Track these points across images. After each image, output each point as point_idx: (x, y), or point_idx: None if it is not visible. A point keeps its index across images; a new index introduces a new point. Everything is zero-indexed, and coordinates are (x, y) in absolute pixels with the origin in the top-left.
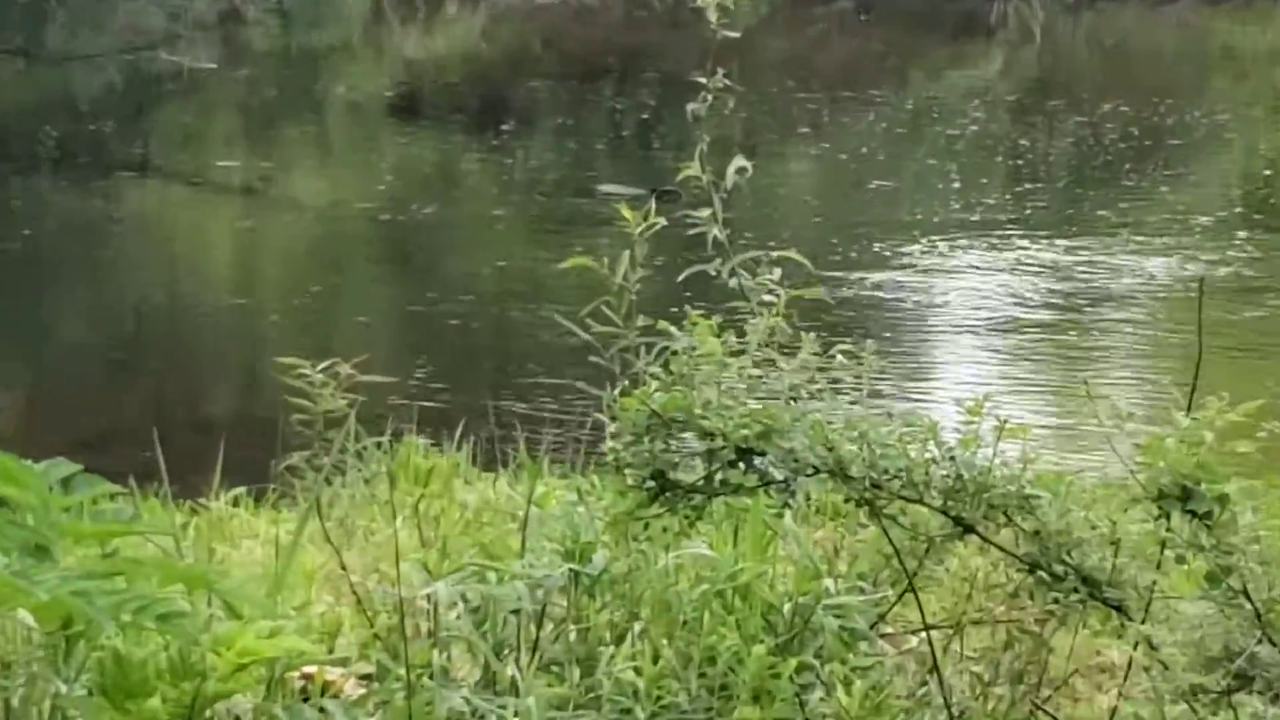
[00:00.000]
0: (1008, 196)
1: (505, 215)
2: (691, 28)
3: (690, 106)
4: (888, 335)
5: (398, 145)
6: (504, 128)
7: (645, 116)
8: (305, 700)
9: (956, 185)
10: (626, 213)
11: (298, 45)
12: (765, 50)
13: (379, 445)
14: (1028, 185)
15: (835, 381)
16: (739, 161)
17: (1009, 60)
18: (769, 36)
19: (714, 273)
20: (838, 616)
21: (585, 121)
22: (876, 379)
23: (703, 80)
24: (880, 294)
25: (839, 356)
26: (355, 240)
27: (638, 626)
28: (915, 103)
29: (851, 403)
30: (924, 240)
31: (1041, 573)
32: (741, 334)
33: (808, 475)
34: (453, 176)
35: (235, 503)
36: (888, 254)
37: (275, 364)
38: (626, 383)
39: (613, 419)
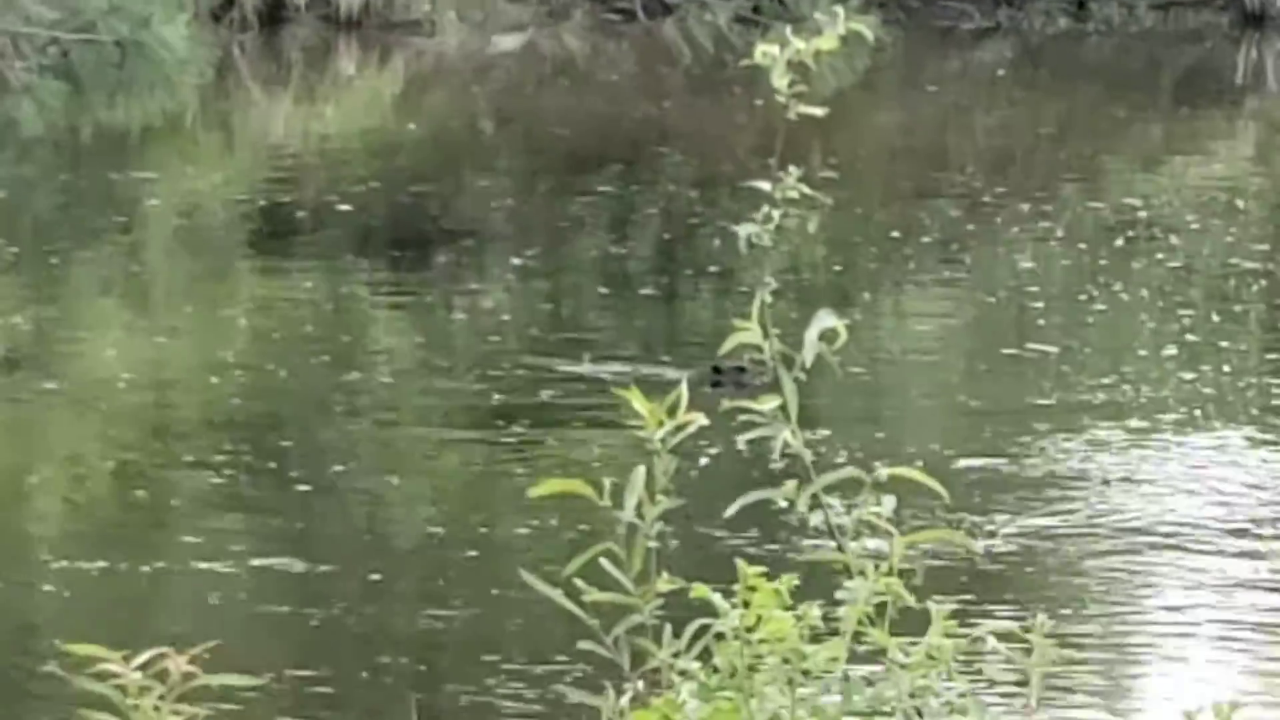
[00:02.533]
0: (1265, 371)
1: (436, 409)
2: (746, 95)
3: (744, 229)
4: (1069, 606)
5: (254, 295)
6: (434, 263)
7: (667, 241)
8: None
9: (1179, 349)
10: (638, 403)
11: (93, 125)
12: (864, 130)
13: None
14: None
15: (987, 683)
16: (824, 320)
17: (1266, 140)
18: (871, 107)
19: (784, 503)
20: None
21: (565, 251)
22: (1055, 676)
23: (764, 184)
24: (1053, 536)
25: (991, 640)
26: (182, 457)
27: None
28: (1109, 213)
29: (1007, 714)
30: (1125, 441)
31: None
32: (832, 605)
33: None
34: (348, 346)
35: None
36: (1066, 467)
37: (61, 655)
38: (640, 685)
39: None
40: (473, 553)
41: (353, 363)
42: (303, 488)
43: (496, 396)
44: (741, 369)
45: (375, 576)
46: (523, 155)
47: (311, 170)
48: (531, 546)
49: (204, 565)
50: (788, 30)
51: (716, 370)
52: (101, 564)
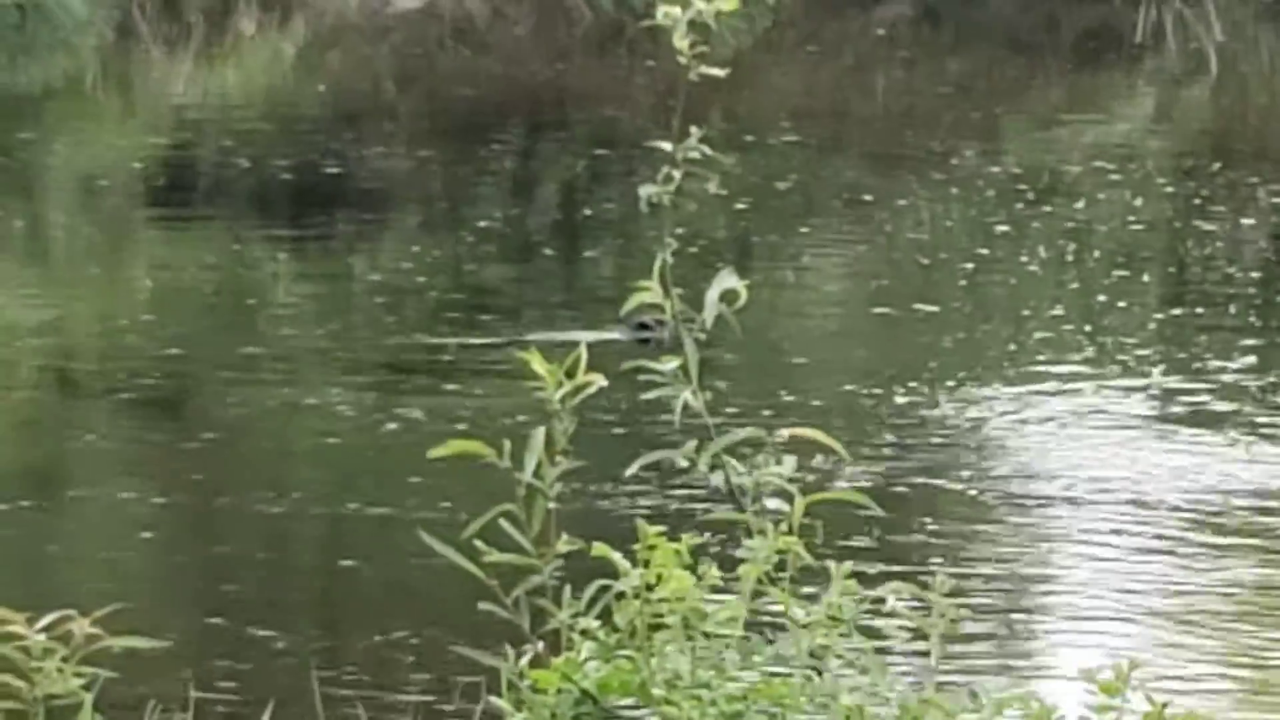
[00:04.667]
0: (1163, 328)
1: (332, 371)
2: (647, 56)
3: (644, 189)
4: (967, 557)
5: (156, 253)
6: (333, 225)
7: (567, 202)
8: None
9: (1077, 305)
10: (538, 365)
11: None
12: (765, 90)
13: None
14: (1197, 310)
15: (883, 640)
16: (725, 280)
17: (1165, 101)
18: (772, 68)
19: (685, 463)
20: None
21: (466, 212)
22: (954, 637)
23: (665, 144)
24: (958, 489)
25: (890, 598)
26: (81, 415)
27: None
28: (1010, 171)
29: (907, 674)
30: (1024, 397)
31: None
32: (730, 563)
33: None
34: (249, 305)
35: None
36: (963, 425)
37: None
38: (540, 646)
39: (517, 706)
40: (372, 513)
41: (253, 322)
42: (202, 447)
43: (396, 356)
44: (648, 326)
45: (275, 537)
46: (423, 116)
47: (212, 130)
48: (431, 507)
49: (103, 524)
50: None
51: (643, 326)
52: (2, 519)
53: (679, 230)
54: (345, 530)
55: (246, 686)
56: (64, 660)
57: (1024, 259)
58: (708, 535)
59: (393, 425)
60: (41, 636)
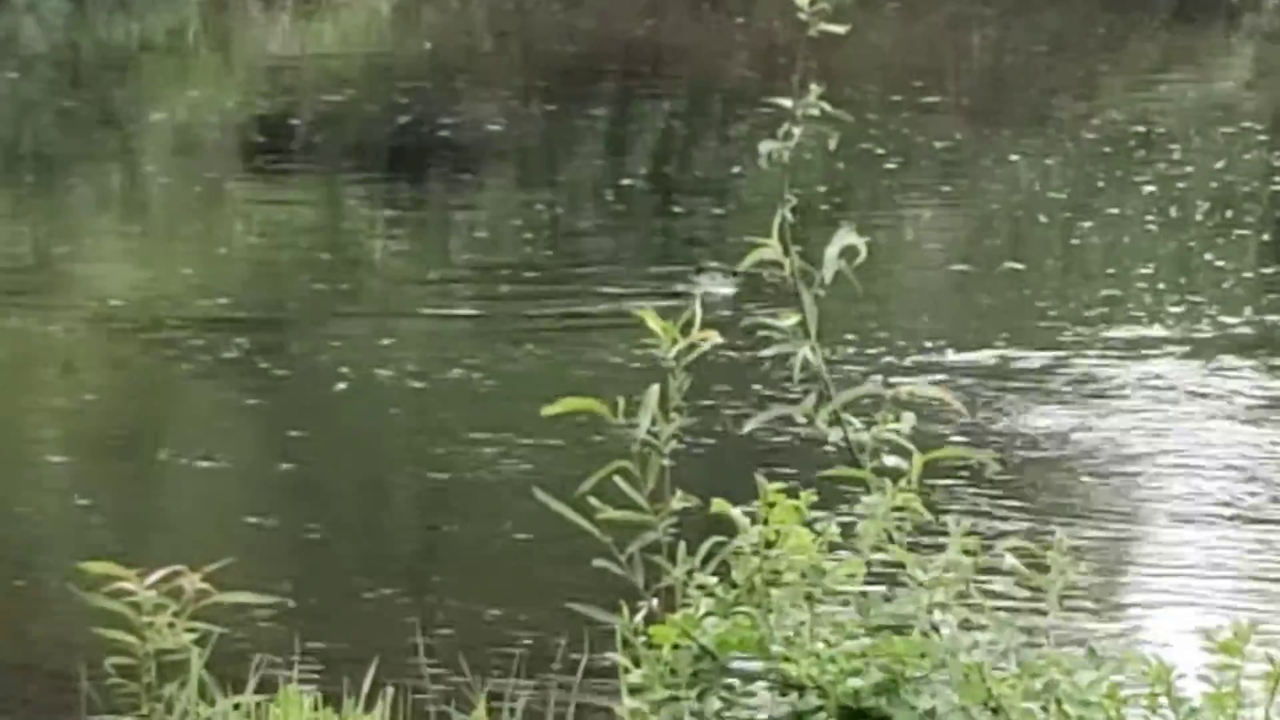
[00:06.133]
0: (1263, 286)
1: (437, 326)
2: (739, 13)
3: (765, 145)
4: (1083, 517)
5: (256, 209)
6: (433, 177)
7: (663, 157)
8: None
9: (1177, 263)
10: (652, 321)
11: (96, 44)
12: (862, 47)
13: (241, 709)
14: None
15: (1001, 598)
16: (846, 236)
17: (1262, 57)
18: (868, 24)
19: (802, 420)
20: None
21: (563, 167)
22: (1071, 592)
23: (780, 101)
24: (1072, 448)
25: (1007, 555)
26: (185, 371)
27: None
28: (1107, 128)
29: (1027, 631)
30: (1125, 355)
31: None
32: (848, 521)
33: None
34: (350, 261)
35: None
36: (1072, 384)
37: (77, 573)
38: (655, 603)
39: (633, 663)
40: (476, 470)
41: (352, 278)
42: (302, 405)
43: (497, 310)
44: (727, 273)
45: (380, 491)
46: (520, 72)
47: (309, 87)
48: (536, 464)
49: (205, 482)
50: None
51: (700, 270)
52: (108, 478)
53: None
54: (449, 487)
55: (351, 641)
56: (174, 615)
57: (1123, 213)
58: (824, 492)
59: (493, 382)
60: (152, 592)
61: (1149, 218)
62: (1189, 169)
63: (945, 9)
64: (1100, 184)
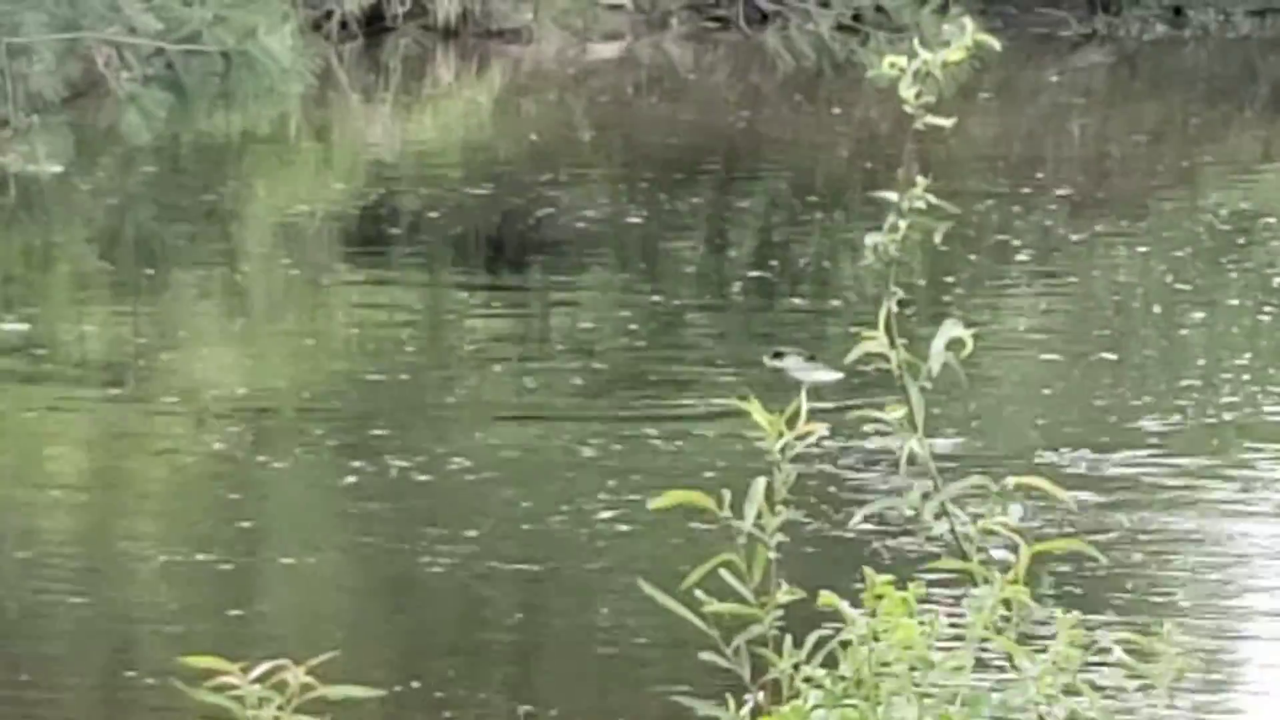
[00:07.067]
0: None
1: (537, 418)
2: (841, 104)
3: (871, 239)
4: (1187, 612)
5: (356, 301)
6: (529, 272)
7: (768, 251)
8: None
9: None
10: (758, 414)
11: (196, 134)
12: (962, 136)
13: None
14: None
15: (1107, 691)
16: (952, 329)
17: None
18: (969, 114)
19: (910, 511)
20: None
21: (667, 259)
22: (1179, 685)
23: (885, 194)
24: (1174, 544)
25: (1117, 650)
26: (284, 464)
27: None
28: (1206, 219)
29: None
30: (1227, 450)
31: None
32: (955, 613)
33: None
34: (449, 352)
35: None
36: (1175, 475)
37: (179, 668)
38: (761, 696)
39: None
40: (580, 558)
41: (451, 367)
42: (398, 495)
43: (600, 400)
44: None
45: (481, 583)
46: (620, 163)
47: (410, 178)
48: (643, 553)
49: (307, 567)
50: (914, 40)
51: (778, 355)
52: (207, 570)
53: (883, 278)
54: (551, 579)
55: None
56: (279, 710)
57: (1223, 306)
58: (938, 585)
59: (598, 467)
60: (256, 686)
61: (1250, 310)
62: None
63: (1043, 100)
64: (1200, 271)
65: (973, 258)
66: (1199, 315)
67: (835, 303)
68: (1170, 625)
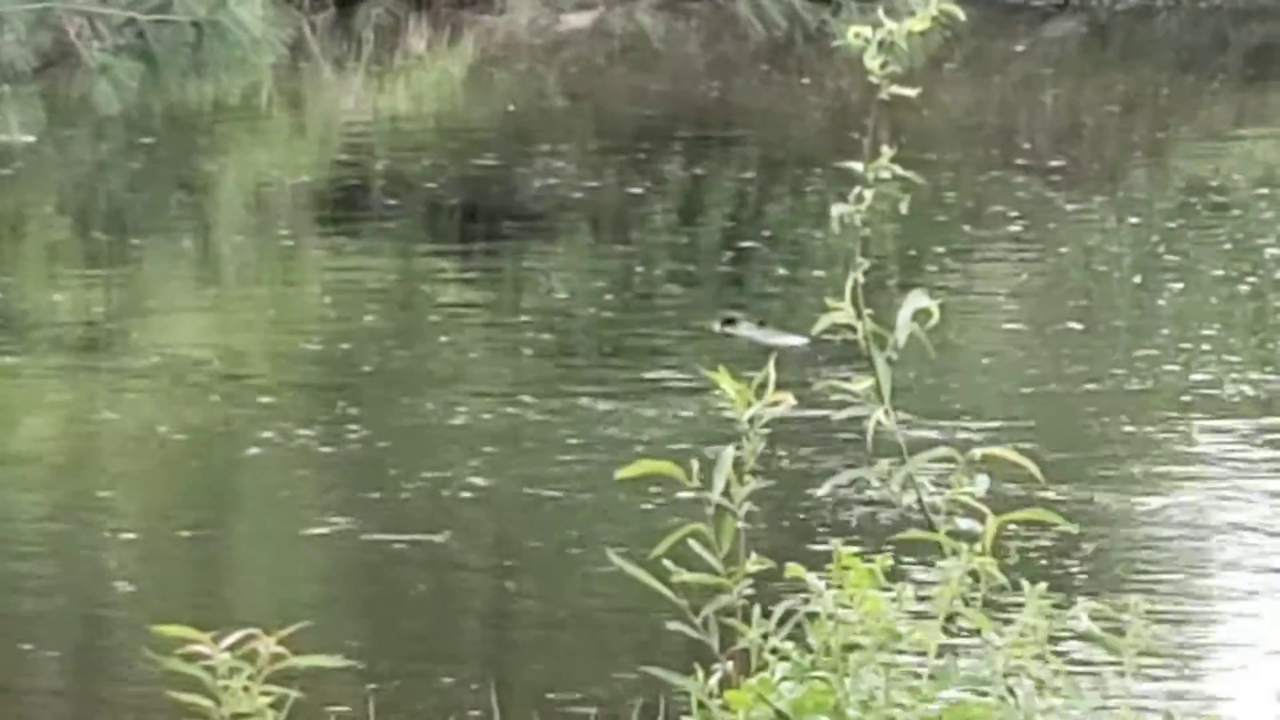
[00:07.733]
0: None
1: (509, 387)
2: (814, 74)
3: (837, 209)
4: (1158, 582)
5: (328, 270)
6: (502, 240)
7: (736, 218)
8: None
9: (1248, 328)
10: (725, 383)
11: (167, 104)
12: (933, 107)
13: None
14: None
15: (1077, 662)
16: (918, 300)
17: None
18: (940, 84)
19: (877, 482)
20: None
21: (639, 229)
22: (1147, 658)
23: (851, 164)
24: (1145, 514)
25: (1084, 618)
26: (256, 435)
27: None
28: (1178, 189)
29: (1107, 698)
30: (1193, 420)
31: None
32: (921, 584)
33: None
34: (422, 322)
35: None
36: (1145, 444)
37: (151, 636)
38: (730, 665)
39: None
40: (551, 529)
41: (425, 337)
42: (378, 460)
43: (570, 370)
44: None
45: (452, 551)
46: (593, 133)
47: (382, 148)
48: (612, 523)
49: (279, 538)
50: (879, 10)
51: (729, 321)
52: (180, 539)
53: (846, 248)
54: (522, 550)
55: (425, 705)
56: (250, 679)
57: (1194, 276)
58: (905, 556)
59: (566, 443)
60: (227, 656)
61: (1220, 279)
62: (1264, 228)
63: (1015, 69)
64: (1172, 241)
65: (943, 227)
66: (1171, 285)
67: (809, 272)
68: (1139, 598)
